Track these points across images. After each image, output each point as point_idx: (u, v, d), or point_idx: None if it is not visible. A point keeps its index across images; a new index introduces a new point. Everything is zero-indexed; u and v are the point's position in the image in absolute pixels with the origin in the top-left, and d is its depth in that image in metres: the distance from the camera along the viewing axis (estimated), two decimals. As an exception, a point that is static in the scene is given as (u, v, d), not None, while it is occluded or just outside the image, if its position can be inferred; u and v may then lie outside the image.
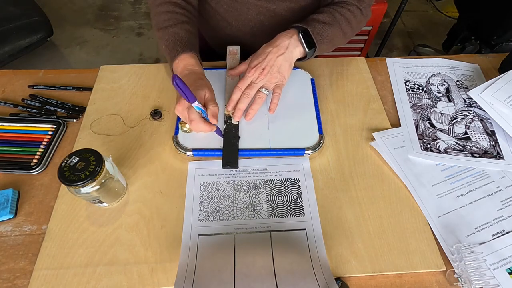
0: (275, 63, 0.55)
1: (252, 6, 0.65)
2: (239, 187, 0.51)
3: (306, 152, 0.54)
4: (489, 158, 0.55)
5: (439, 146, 0.56)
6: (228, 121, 0.56)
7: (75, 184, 0.40)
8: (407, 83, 0.66)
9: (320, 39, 0.56)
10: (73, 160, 0.42)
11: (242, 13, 0.67)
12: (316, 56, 0.90)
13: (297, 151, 0.54)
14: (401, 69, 0.69)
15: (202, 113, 0.50)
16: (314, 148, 0.54)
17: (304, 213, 0.49)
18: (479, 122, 0.60)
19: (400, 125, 0.59)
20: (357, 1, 0.61)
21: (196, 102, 0.48)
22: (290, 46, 0.56)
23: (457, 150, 0.56)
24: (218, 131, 0.54)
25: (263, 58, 0.55)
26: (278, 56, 0.55)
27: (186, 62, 0.56)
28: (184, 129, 0.54)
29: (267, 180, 0.52)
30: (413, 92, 0.65)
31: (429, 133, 0.58)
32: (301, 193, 0.51)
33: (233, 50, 0.66)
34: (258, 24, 0.69)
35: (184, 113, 0.51)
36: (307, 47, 0.57)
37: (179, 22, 0.58)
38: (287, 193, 0.51)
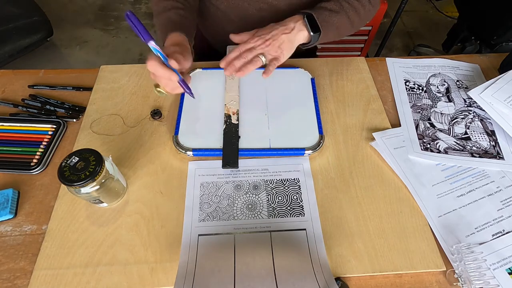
0: (278, 38, 0.55)
1: (253, 2, 0.65)
2: (239, 187, 0.51)
3: (306, 152, 0.54)
4: (489, 158, 0.55)
5: (439, 146, 0.56)
6: (228, 120, 0.56)
7: (75, 184, 0.40)
8: (407, 83, 0.66)
9: (325, 25, 0.57)
10: (73, 160, 0.42)
11: (243, 9, 0.67)
12: (317, 56, 0.90)
13: (297, 151, 0.54)
14: (401, 69, 0.69)
15: (161, 56, 0.46)
16: (314, 148, 0.54)
17: (304, 213, 0.49)
18: (479, 122, 0.60)
19: (400, 125, 0.59)
20: None
21: (152, 42, 0.44)
22: (295, 29, 0.56)
23: (457, 150, 0.56)
24: (184, 84, 0.49)
25: (269, 31, 0.55)
26: (283, 33, 0.55)
27: (174, 39, 0.53)
28: (158, 89, 0.50)
29: (267, 180, 0.52)
30: (413, 92, 0.65)
31: (429, 133, 0.58)
32: (301, 193, 0.51)
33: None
34: (259, 20, 0.69)
35: (150, 65, 0.46)
36: (312, 31, 0.57)
37: (173, 8, 0.59)
38: (287, 193, 0.51)
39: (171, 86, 0.50)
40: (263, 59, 0.55)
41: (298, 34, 0.56)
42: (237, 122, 0.57)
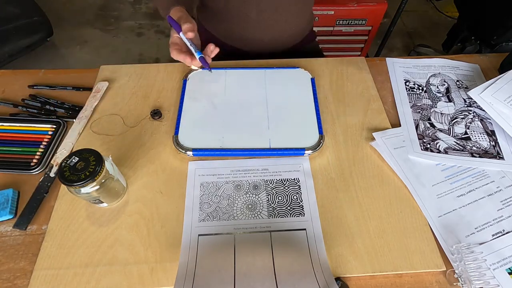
0: None
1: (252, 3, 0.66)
2: (239, 187, 0.51)
3: (306, 152, 0.53)
4: (489, 158, 0.55)
5: (439, 146, 0.56)
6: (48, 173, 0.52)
7: (75, 184, 0.40)
8: (407, 83, 0.66)
9: None
10: (73, 160, 0.42)
11: (242, 10, 0.67)
12: (324, 56, 0.90)
13: (297, 151, 0.54)
14: (401, 69, 0.69)
15: (187, 43, 0.57)
16: (314, 148, 0.54)
17: (304, 213, 0.49)
18: (479, 122, 0.60)
19: (400, 125, 0.59)
20: None
21: (181, 33, 0.56)
22: None
23: (457, 150, 0.56)
24: (203, 60, 0.57)
25: None
26: None
27: (175, 14, 0.60)
28: (193, 67, 0.60)
29: (267, 180, 0.52)
30: (413, 92, 0.65)
31: (429, 133, 0.58)
32: (301, 193, 0.51)
33: None
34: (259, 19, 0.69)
35: (171, 50, 0.57)
36: None
37: None
38: (287, 193, 0.51)
39: (195, 63, 0.57)
40: None
41: None
42: (54, 175, 0.51)
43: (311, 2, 0.78)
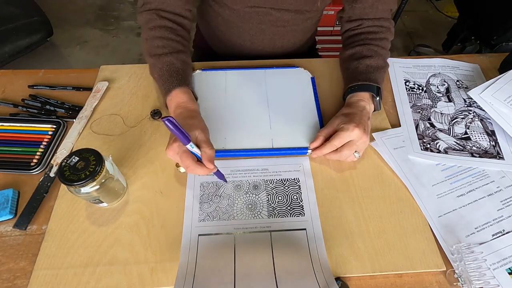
0: (368, 126, 0.52)
1: (254, 15, 0.66)
2: (239, 187, 0.51)
3: (309, 150, 0.53)
4: (489, 158, 0.55)
5: (439, 146, 0.56)
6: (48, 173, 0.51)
7: (75, 184, 0.40)
8: (407, 83, 0.66)
9: (382, 83, 0.58)
10: (73, 160, 0.42)
11: (244, 20, 0.68)
12: (319, 55, 0.90)
13: (300, 150, 0.54)
14: (401, 69, 0.69)
15: (196, 156, 0.45)
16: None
17: (304, 213, 0.49)
18: (479, 122, 0.60)
19: (400, 125, 0.59)
20: (388, 22, 0.62)
21: (191, 144, 0.43)
22: (371, 109, 0.57)
23: (457, 150, 0.56)
24: (218, 173, 0.48)
25: (357, 122, 0.50)
26: (368, 119, 0.53)
27: (179, 100, 0.52)
28: (182, 170, 0.50)
29: (267, 180, 0.52)
30: (413, 92, 0.65)
31: (429, 133, 0.58)
32: (301, 193, 0.51)
33: None
34: (258, 32, 0.69)
35: (177, 157, 0.46)
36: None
37: (175, 51, 0.55)
38: (287, 193, 0.51)
39: (197, 174, 0.48)
40: (357, 155, 0.52)
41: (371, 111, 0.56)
42: (54, 175, 0.51)
43: (305, 33, 0.76)
